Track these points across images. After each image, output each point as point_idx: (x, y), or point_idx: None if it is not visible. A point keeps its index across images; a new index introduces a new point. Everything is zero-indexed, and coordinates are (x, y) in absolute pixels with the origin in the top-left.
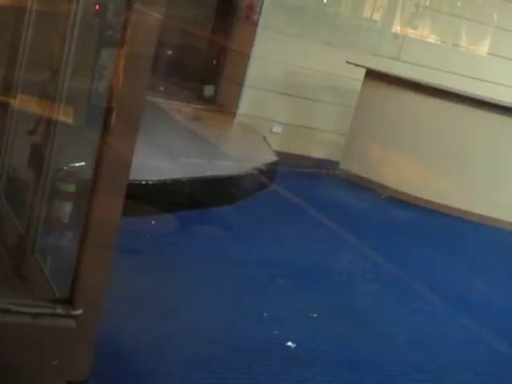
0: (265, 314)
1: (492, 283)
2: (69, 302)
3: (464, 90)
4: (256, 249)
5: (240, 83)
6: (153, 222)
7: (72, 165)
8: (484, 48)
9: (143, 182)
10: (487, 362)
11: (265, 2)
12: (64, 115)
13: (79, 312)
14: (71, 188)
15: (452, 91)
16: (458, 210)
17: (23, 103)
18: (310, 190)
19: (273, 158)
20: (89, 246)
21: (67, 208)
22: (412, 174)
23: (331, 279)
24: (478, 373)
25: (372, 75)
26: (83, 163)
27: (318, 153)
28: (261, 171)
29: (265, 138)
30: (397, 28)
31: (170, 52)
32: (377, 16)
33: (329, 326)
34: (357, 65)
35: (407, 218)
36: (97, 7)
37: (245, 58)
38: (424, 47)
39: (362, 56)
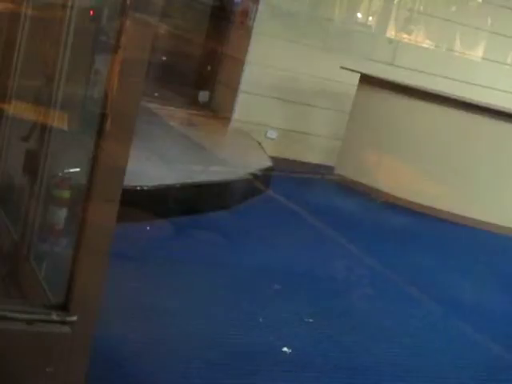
0: (260, 320)
1: (490, 289)
2: (64, 308)
3: (459, 95)
4: (251, 254)
5: (235, 89)
6: (148, 228)
7: (67, 171)
8: (478, 53)
9: (138, 188)
10: (484, 367)
11: (259, 8)
12: (58, 121)
13: (74, 318)
14: (66, 194)
15: (447, 96)
16: (455, 215)
17: (18, 109)
18: (305, 196)
19: (267, 163)
20: (84, 252)
21: (62, 214)
22: (407, 179)
23: (327, 284)
24: (474, 377)
25: (366, 80)
26: (78, 169)
27: (312, 158)
28: (256, 177)
29: (259, 144)
30: (391, 33)
31: (164, 58)
32: (371, 21)
33: (325, 331)
34: (351, 70)
35: (403, 223)
36: (91, 13)
37: (239, 63)
38: (418, 52)
39: (356, 61)
